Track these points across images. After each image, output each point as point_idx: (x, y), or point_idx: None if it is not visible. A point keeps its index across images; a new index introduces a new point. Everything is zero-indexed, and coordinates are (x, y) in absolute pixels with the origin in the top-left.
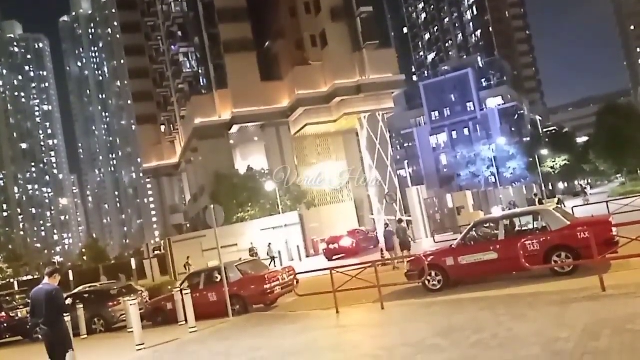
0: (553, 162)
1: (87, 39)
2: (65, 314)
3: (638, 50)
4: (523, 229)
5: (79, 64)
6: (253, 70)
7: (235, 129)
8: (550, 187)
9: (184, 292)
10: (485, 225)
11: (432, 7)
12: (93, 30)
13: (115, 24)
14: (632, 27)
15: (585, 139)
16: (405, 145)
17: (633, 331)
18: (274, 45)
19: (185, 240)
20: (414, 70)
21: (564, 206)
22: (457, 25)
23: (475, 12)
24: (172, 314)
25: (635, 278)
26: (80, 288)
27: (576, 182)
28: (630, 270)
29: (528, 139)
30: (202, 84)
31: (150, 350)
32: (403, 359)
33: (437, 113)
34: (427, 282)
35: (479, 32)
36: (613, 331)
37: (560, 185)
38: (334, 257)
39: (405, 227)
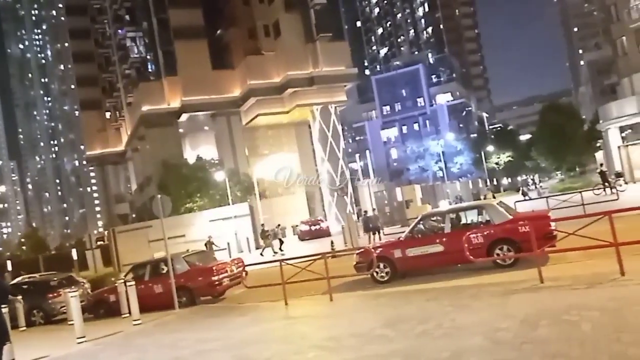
0: (498, 158)
1: (30, 20)
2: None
3: (580, 51)
4: (468, 222)
5: (21, 45)
6: (204, 57)
7: (184, 117)
8: (495, 182)
9: (128, 283)
10: (432, 219)
11: (385, 1)
12: (37, 12)
13: (60, 5)
14: (576, 29)
15: (528, 136)
16: (357, 138)
17: (569, 321)
18: (226, 34)
19: (131, 231)
20: (366, 64)
21: (529, 198)
22: (409, 21)
23: (427, 9)
24: (116, 306)
25: (572, 271)
26: (19, 279)
27: (528, 178)
28: (566, 263)
29: (475, 135)
30: (150, 70)
31: (92, 343)
32: (351, 349)
33: (388, 107)
34: (375, 274)
35: (430, 29)
36: (550, 321)
37: (504, 181)
38: (306, 238)
39: (377, 215)
